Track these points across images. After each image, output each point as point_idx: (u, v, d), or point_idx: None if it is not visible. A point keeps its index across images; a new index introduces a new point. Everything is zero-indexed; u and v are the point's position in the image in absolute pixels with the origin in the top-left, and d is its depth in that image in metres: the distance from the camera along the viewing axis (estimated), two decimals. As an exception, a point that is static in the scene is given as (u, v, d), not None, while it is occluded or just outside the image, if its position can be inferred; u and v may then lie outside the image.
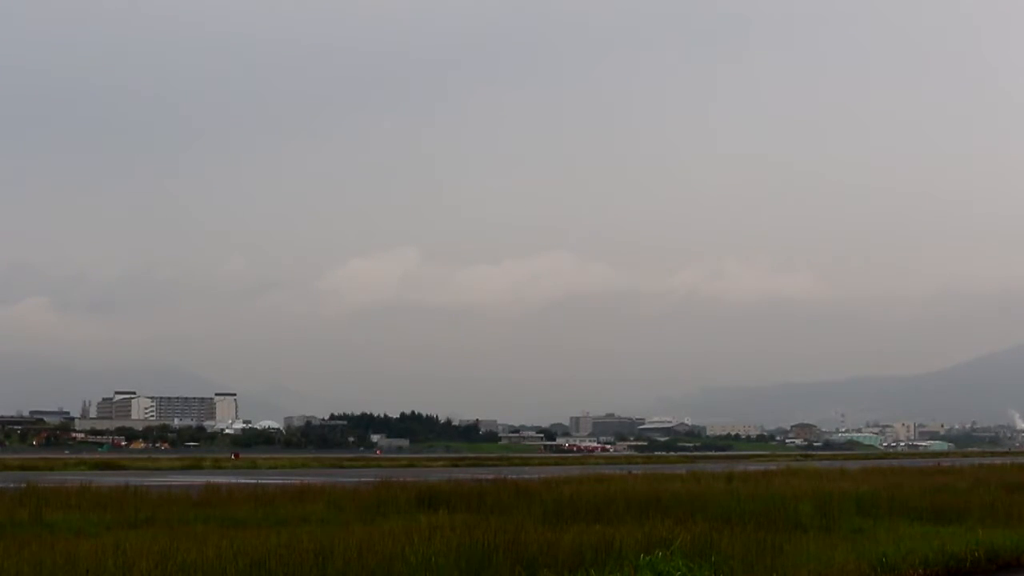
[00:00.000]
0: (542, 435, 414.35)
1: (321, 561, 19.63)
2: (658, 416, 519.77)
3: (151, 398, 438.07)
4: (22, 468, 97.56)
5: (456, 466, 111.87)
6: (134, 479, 58.70)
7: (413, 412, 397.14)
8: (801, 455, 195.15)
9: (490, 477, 49.92)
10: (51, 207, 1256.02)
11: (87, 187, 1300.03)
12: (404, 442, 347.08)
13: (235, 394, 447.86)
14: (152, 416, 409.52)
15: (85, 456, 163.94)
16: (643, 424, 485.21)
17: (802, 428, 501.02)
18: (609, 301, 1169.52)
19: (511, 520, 27.81)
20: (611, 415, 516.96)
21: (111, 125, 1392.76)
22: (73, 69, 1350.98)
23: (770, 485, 43.62)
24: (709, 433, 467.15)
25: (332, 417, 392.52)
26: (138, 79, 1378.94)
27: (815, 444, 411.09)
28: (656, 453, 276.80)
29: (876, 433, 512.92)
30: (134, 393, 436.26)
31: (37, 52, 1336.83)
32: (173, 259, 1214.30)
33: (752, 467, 79.36)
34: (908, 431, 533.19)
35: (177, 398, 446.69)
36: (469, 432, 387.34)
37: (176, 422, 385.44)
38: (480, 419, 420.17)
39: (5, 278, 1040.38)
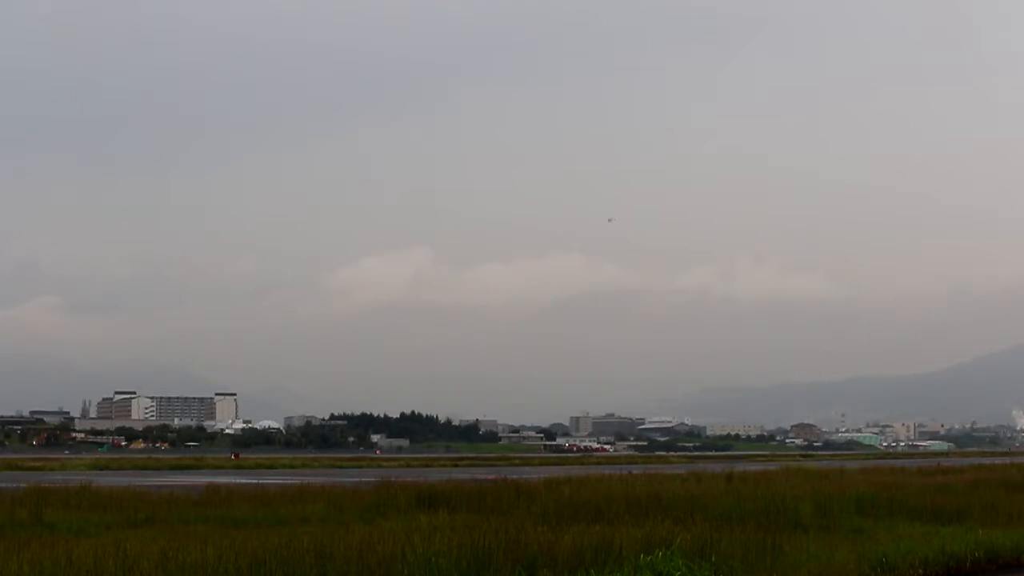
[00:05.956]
0: (542, 435, 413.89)
1: (321, 561, 19.64)
2: (658, 416, 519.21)
3: (151, 398, 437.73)
4: (22, 468, 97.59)
5: (456, 466, 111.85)
6: (134, 479, 58.74)
7: (413, 412, 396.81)
8: (801, 455, 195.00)
9: (490, 477, 49.99)
10: (54, 208, 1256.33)
11: (91, 187, 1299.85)
12: (404, 442, 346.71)
13: (235, 394, 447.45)
14: (152, 416, 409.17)
15: (85, 456, 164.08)
16: (643, 424, 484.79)
17: (802, 428, 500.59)
18: (610, 301, 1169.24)
19: (511, 520, 27.81)
20: (611, 415, 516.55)
21: (112, 125, 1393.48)
22: (73, 69, 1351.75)
23: (770, 485, 43.59)
24: (709, 433, 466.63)
25: (332, 417, 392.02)
26: (140, 79, 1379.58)
27: (815, 444, 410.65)
28: (656, 453, 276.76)
29: (876, 433, 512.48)
30: (134, 393, 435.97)
31: (37, 52, 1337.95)
32: (180, 259, 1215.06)
33: (752, 467, 79.32)
34: (908, 431, 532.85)
35: (177, 398, 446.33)
36: (469, 432, 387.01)
37: (176, 422, 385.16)
38: (480, 419, 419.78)
39: (9, 279, 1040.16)
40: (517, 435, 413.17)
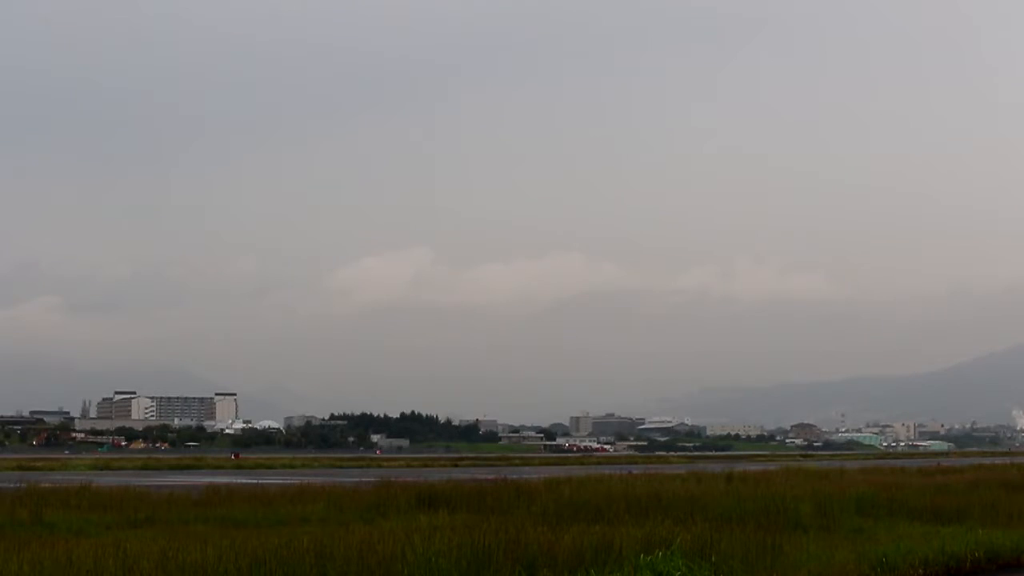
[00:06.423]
0: (542, 435, 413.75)
1: (321, 561, 19.62)
2: (658, 416, 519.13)
3: (151, 398, 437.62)
4: (22, 468, 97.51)
5: (456, 466, 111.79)
6: (134, 479, 58.75)
7: (413, 412, 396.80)
8: (801, 455, 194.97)
9: (490, 477, 49.94)
10: (54, 208, 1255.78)
11: (91, 187, 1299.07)
12: (404, 442, 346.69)
13: (235, 394, 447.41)
14: (152, 416, 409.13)
15: (85, 456, 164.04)
16: (643, 424, 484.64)
17: (802, 428, 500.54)
18: (610, 301, 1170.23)
19: (511, 520, 27.79)
20: (611, 415, 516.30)
21: (112, 125, 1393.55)
22: (73, 69, 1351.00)
23: (770, 485, 43.52)
24: (709, 433, 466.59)
25: (332, 417, 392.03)
26: (140, 79, 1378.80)
27: (815, 444, 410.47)
28: (656, 453, 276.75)
29: (876, 433, 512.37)
30: (134, 393, 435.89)
31: (37, 52, 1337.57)
32: (180, 259, 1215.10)
33: (752, 467, 79.29)
34: (908, 431, 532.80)
35: (177, 398, 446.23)
36: (469, 432, 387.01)
37: (176, 422, 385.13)
38: (480, 419, 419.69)
39: (9, 279, 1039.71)
40: (517, 435, 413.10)
